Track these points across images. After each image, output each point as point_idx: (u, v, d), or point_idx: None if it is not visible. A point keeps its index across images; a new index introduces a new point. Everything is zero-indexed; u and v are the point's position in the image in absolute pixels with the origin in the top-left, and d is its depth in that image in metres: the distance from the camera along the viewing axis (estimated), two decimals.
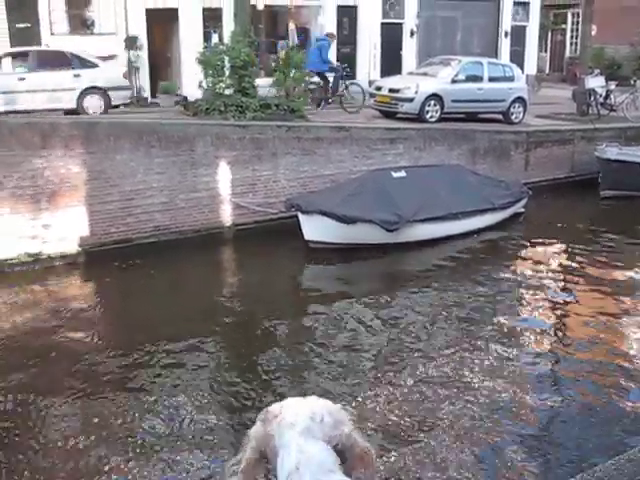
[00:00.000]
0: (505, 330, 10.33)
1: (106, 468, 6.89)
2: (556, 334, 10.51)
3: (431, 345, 9.79)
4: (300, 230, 13.30)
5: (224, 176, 14.05)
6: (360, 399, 8.06)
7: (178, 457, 7.04)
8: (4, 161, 12.24)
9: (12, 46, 18.80)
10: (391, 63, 25.61)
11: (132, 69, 19.99)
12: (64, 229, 12.74)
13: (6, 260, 12.37)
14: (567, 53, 34.94)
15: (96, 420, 7.74)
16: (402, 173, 14.51)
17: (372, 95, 19.24)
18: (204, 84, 15.52)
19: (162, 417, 7.78)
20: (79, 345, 9.86)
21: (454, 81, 18.36)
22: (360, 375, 8.91)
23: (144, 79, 20.53)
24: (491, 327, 10.42)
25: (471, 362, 9.16)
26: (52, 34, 19.65)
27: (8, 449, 7.27)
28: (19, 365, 9.16)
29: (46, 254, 12.71)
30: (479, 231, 14.73)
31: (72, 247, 12.92)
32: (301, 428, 1.88)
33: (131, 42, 20.04)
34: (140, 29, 20.58)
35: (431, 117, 17.83)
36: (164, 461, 7.02)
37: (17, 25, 19.65)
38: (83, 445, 7.27)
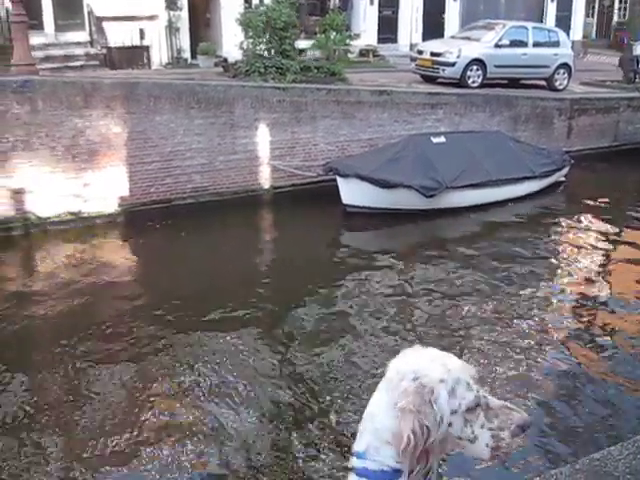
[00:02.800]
0: (539, 302, 10.23)
1: (142, 431, 7.02)
2: (588, 309, 10.32)
3: (466, 313, 9.73)
4: (338, 194, 13.26)
5: (263, 138, 14.03)
6: None
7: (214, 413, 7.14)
8: (47, 120, 12.34)
9: (54, 5, 18.90)
10: (433, 26, 25.24)
11: (172, 29, 19.97)
12: (104, 188, 12.85)
13: (48, 218, 12.55)
14: (615, 19, 34.02)
15: (132, 383, 7.86)
16: (442, 139, 14.35)
17: (413, 59, 18.99)
18: (244, 45, 15.44)
19: (198, 386, 7.82)
20: (115, 306, 9.99)
21: (497, 46, 18.03)
22: (397, 343, 8.90)
23: (184, 40, 20.49)
24: (524, 298, 10.31)
25: (505, 330, 9.12)
26: None
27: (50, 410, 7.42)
28: (56, 323, 9.33)
29: (86, 213, 12.87)
30: (519, 199, 14.56)
31: (112, 206, 13.05)
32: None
33: (172, 2, 19.96)
34: None
35: (473, 82, 17.56)
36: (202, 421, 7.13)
37: None
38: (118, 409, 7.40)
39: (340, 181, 13.23)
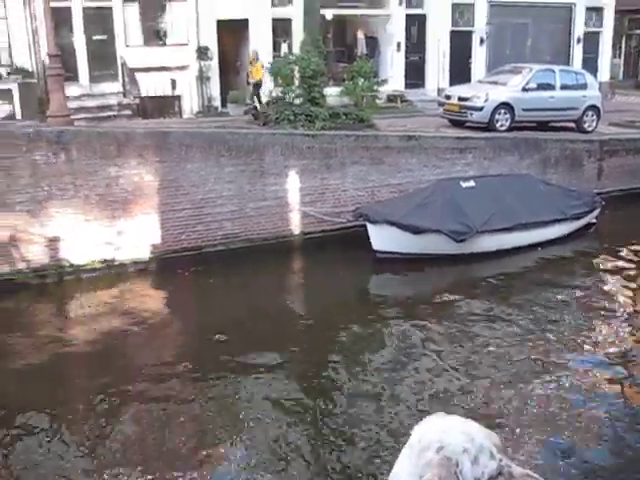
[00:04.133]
0: (572, 348, 10.10)
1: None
2: (622, 356, 10.14)
3: (500, 359, 9.63)
4: (368, 240, 13.29)
5: (293, 185, 14.17)
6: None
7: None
8: (81, 169, 12.60)
9: (88, 58, 19.45)
10: (460, 71, 25.42)
11: (203, 79, 20.36)
12: (137, 236, 13.02)
13: (81, 265, 12.72)
14: None
15: (162, 425, 7.90)
16: (471, 183, 14.37)
17: (441, 104, 19.11)
18: (274, 93, 15.67)
19: (229, 426, 7.86)
20: (146, 352, 10.09)
21: (525, 89, 18.08)
22: (429, 390, 8.82)
23: (214, 88, 20.88)
24: (558, 345, 10.18)
25: (538, 372, 9.00)
26: (127, 46, 20.16)
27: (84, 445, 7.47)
28: (90, 367, 9.42)
29: (119, 260, 13.02)
30: (549, 242, 14.46)
31: (144, 254, 13.20)
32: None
33: (202, 52, 20.40)
34: (211, 39, 20.94)
35: (501, 126, 17.60)
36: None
37: (93, 37, 20.24)
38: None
39: (370, 227, 13.27)
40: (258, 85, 19.59)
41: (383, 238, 13.23)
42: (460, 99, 18.13)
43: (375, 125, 16.25)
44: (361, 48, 24.15)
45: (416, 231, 13.11)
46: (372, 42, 24.99)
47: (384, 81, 21.78)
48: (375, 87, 18.60)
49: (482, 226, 13.47)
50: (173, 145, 13.20)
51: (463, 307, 11.63)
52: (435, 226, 13.15)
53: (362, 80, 17.76)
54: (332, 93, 17.74)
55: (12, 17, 19.72)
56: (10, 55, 19.98)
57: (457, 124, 18.29)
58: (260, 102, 18.88)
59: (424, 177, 15.32)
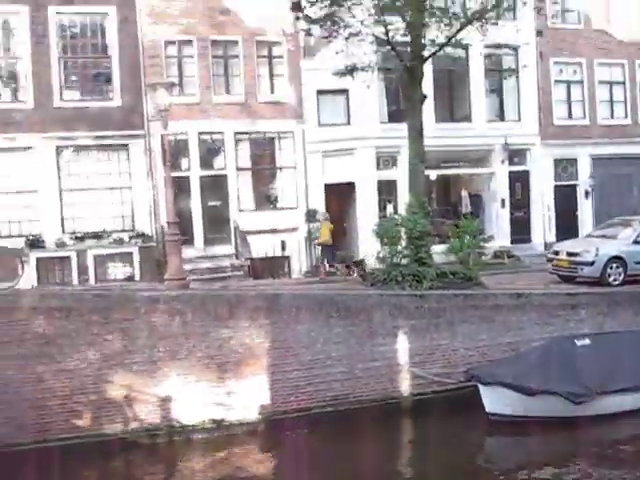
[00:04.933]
0: None
1: None
2: None
3: None
4: (480, 401, 12.89)
5: (402, 345, 14.10)
6: None
7: None
8: (195, 330, 13.02)
9: (204, 222, 20.57)
10: (567, 225, 25.32)
11: (311, 240, 21.04)
12: (247, 397, 13.13)
13: (191, 426, 12.85)
14: None
15: None
16: (587, 340, 13.90)
17: (549, 259, 18.90)
18: (381, 254, 15.96)
19: None
20: None
21: (636, 242, 17.71)
22: None
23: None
24: None
25: None
26: (240, 210, 21.25)
27: None
28: None
29: (228, 421, 13.09)
30: None
31: (253, 415, 13.23)
32: None
33: (311, 215, 21.20)
34: (319, 202, 21.81)
35: (614, 280, 17.15)
36: None
37: (209, 203, 21.49)
38: None
39: (482, 388, 12.91)
40: (325, 246, 20.01)
41: (496, 400, 12.81)
42: (569, 254, 17.90)
43: (483, 283, 16.17)
44: (465, 206, 24.53)
45: (530, 392, 12.65)
46: (476, 199, 25.38)
47: (490, 237, 21.80)
48: (481, 244, 18.65)
49: (601, 387, 12.87)
50: (283, 307, 13.50)
51: (585, 476, 10.93)
52: (550, 387, 12.67)
53: (468, 237, 17.88)
54: (438, 251, 17.90)
55: (136, 187, 21.26)
56: (132, 221, 21.40)
57: (567, 280, 17.94)
58: (328, 264, 19.32)
59: (536, 335, 14.95)
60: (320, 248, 20.31)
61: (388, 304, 14.08)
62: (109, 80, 21.65)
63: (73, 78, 21.80)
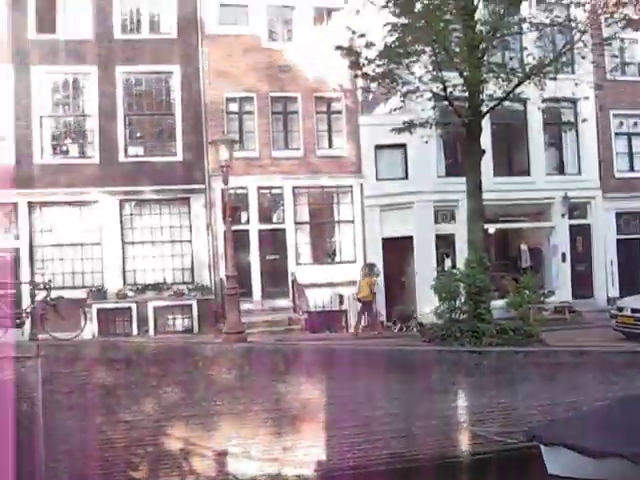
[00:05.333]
0: None
1: None
2: None
3: None
4: (543, 463, 12.49)
5: (461, 403, 13.83)
6: None
7: None
8: (251, 385, 13.07)
9: (262, 275, 20.75)
10: (631, 279, 24.68)
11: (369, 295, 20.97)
12: (303, 453, 12.93)
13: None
14: None
15: None
16: None
17: (613, 316, 18.45)
18: (439, 310, 15.82)
19: None
20: None
21: None
22: None
23: (380, 303, 21.39)
24: None
25: None
26: (298, 264, 21.42)
27: None
28: None
29: (284, 477, 12.89)
30: None
31: (309, 471, 12.94)
32: None
33: (369, 269, 21.20)
34: (377, 256, 21.82)
35: None
36: None
37: (267, 256, 21.72)
38: None
39: (544, 449, 12.51)
40: (365, 302, 19.83)
41: (559, 462, 12.36)
42: (634, 310, 17.48)
43: (544, 340, 15.85)
44: (525, 260, 24.22)
45: (595, 454, 12.18)
46: (536, 253, 25.05)
47: (550, 293, 21.53)
48: (541, 299, 18.38)
49: None
50: (340, 362, 13.44)
51: None
52: (616, 449, 12.17)
53: (528, 293, 17.64)
54: (497, 306, 17.67)
55: (196, 240, 21.66)
56: (192, 273, 21.75)
57: (632, 337, 17.46)
58: (362, 323, 19.17)
59: (600, 394, 14.44)
60: (360, 303, 20.19)
61: (447, 361, 13.89)
62: (172, 136, 22.27)
63: (137, 134, 22.51)
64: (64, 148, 22.33)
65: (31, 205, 21.45)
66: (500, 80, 17.31)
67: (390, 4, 16.80)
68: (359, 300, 20.15)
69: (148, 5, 22.45)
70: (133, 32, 22.35)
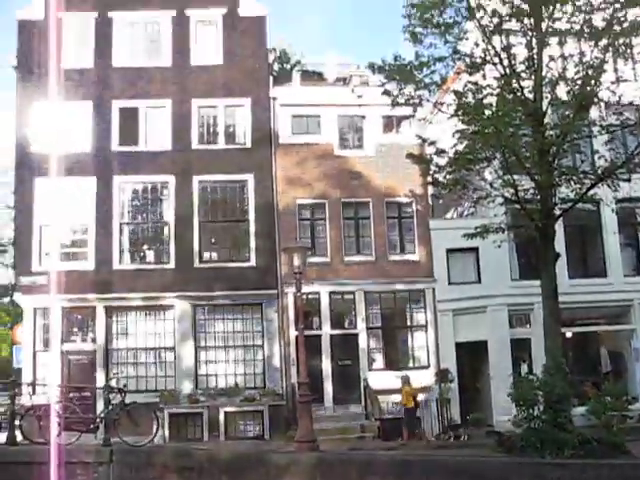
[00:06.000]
0: None
1: None
2: None
3: None
4: None
5: None
6: None
7: None
8: None
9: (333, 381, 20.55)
10: None
11: (443, 401, 20.49)
12: None
13: None
14: None
15: None
16: None
17: None
18: (517, 418, 15.26)
19: None
20: None
21: None
22: None
23: (454, 410, 20.85)
24: None
25: None
26: (370, 369, 21.20)
27: None
28: None
29: None
30: None
31: None
32: None
33: (443, 375, 20.82)
34: (450, 362, 21.42)
35: None
36: None
37: (339, 362, 21.59)
38: None
39: None
40: (407, 410, 19.28)
41: None
42: None
43: (630, 451, 15.03)
44: (605, 364, 23.39)
45: None
46: (617, 357, 24.16)
47: (634, 399, 20.58)
48: (625, 406, 17.58)
49: None
50: (414, 474, 12.98)
51: None
52: None
53: (610, 399, 16.93)
54: (577, 413, 16.98)
55: (268, 345, 21.75)
56: (264, 378, 21.74)
57: None
58: (413, 431, 18.57)
59: None
60: (404, 413, 19.64)
61: (527, 473, 13.24)
62: (245, 242, 22.73)
63: (212, 240, 23.09)
64: (141, 254, 23.03)
65: (108, 309, 22.00)
66: (572, 183, 17.22)
67: (459, 112, 17.09)
68: (404, 407, 19.73)
69: (224, 117, 23.42)
70: (210, 143, 23.26)
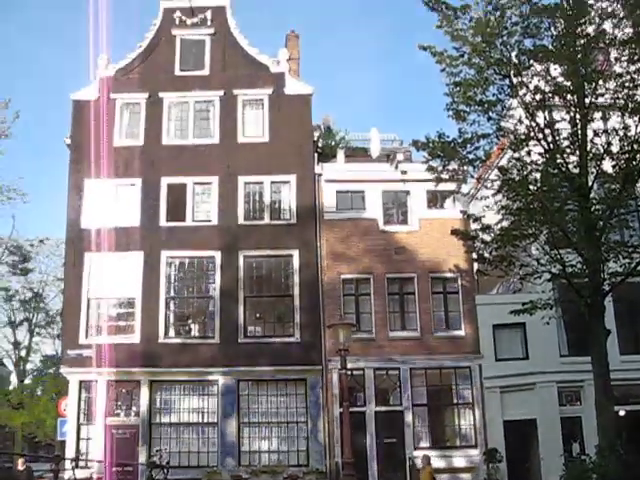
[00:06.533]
0: None
1: None
2: None
3: None
4: None
5: None
6: None
7: None
8: None
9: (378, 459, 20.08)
10: None
11: None
12: None
13: None
14: None
15: None
16: None
17: None
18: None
19: None
20: None
21: None
22: None
23: None
24: None
25: None
26: (415, 448, 20.72)
27: None
28: None
29: None
30: None
31: None
32: None
33: (491, 455, 20.24)
34: (499, 441, 20.83)
35: None
36: None
37: (384, 439, 21.17)
38: None
39: None
40: None
41: None
42: None
43: None
44: None
45: None
46: None
47: None
48: None
49: None
50: None
51: None
52: None
53: None
54: None
55: (311, 421, 21.45)
56: (307, 455, 21.36)
57: None
58: None
59: None
60: None
61: None
62: (290, 317, 22.70)
63: (257, 315, 23.11)
64: (187, 328, 23.15)
65: (153, 383, 22.00)
66: (621, 257, 16.97)
67: (504, 188, 17.09)
68: None
69: (269, 193, 23.75)
70: (255, 219, 23.54)
